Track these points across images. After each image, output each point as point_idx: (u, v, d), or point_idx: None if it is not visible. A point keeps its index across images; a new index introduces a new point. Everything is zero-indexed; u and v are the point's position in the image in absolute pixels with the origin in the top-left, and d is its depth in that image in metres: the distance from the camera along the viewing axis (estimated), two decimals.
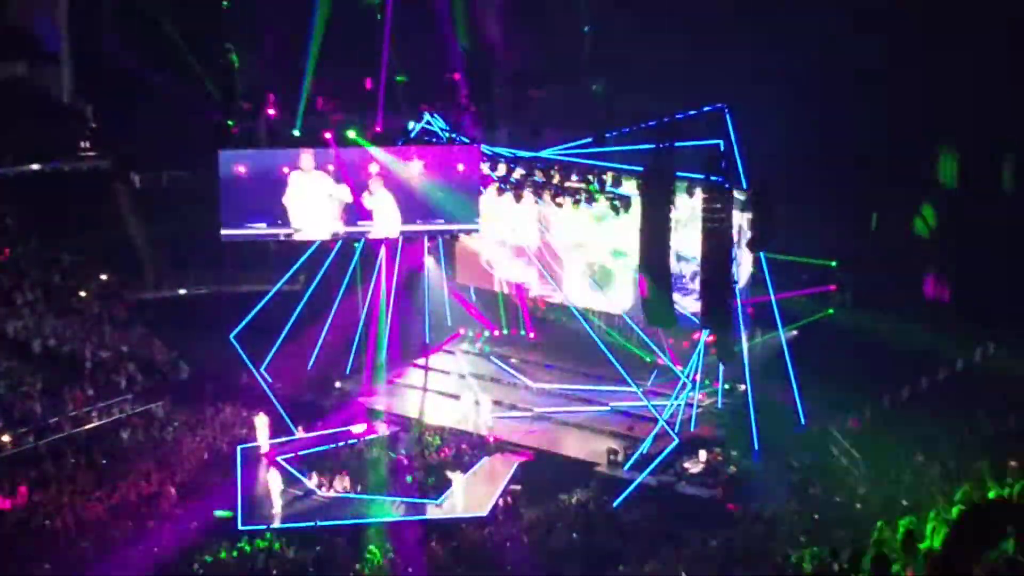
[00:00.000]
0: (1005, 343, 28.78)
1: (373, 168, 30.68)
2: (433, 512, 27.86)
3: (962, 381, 28.88)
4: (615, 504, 27.90)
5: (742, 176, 28.21)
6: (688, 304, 30.39)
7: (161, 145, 35.51)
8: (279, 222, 30.74)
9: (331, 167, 30.69)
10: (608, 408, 32.41)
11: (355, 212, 30.98)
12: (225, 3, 34.70)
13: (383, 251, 33.63)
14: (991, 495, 17.83)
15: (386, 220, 31.17)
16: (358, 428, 31.36)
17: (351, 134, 30.87)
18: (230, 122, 31.14)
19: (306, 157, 30.58)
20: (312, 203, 30.91)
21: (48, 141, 36.32)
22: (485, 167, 31.72)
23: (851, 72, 30.45)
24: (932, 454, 25.38)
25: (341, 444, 30.57)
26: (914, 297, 31.40)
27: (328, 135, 30.70)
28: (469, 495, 28.46)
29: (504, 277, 36.27)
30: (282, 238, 31.29)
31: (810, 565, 19.63)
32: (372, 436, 31.14)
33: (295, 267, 33.43)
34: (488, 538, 26.52)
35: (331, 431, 31.25)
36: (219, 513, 27.51)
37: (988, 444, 24.68)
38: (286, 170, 30.47)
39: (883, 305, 30.53)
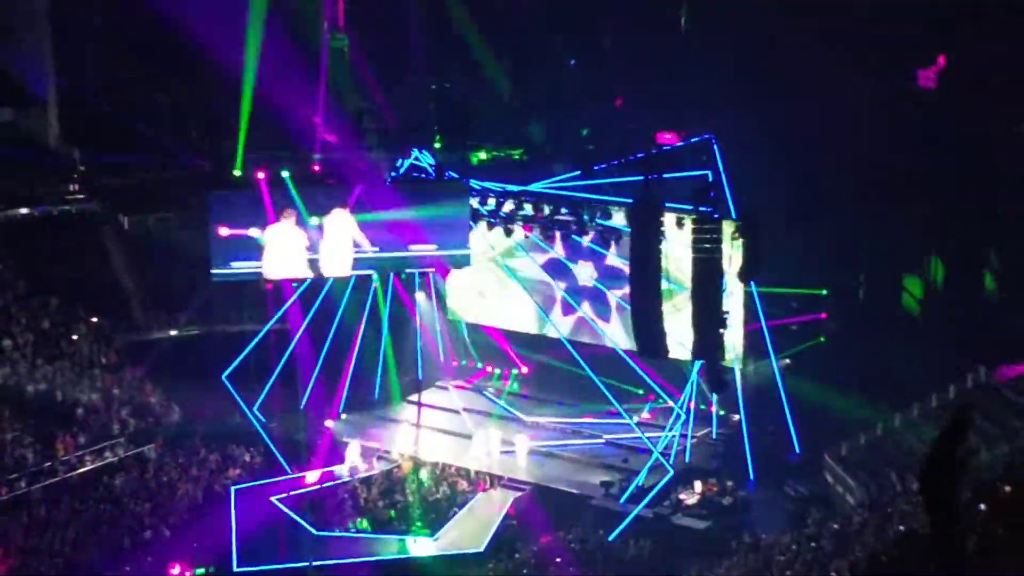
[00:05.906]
0: None
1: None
2: (430, 548, 27.71)
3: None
4: (611, 537, 27.82)
5: (731, 206, 28.32)
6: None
7: (149, 187, 35.48)
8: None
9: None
10: (603, 441, 32.35)
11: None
12: None
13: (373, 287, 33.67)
14: None
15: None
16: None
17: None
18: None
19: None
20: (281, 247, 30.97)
21: (36, 185, 36.22)
22: (475, 201, 31.82)
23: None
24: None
25: (338, 482, 30.45)
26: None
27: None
28: (465, 531, 28.34)
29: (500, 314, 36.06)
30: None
31: None
32: (369, 474, 31.01)
33: (285, 306, 33.38)
34: (485, 574, 26.40)
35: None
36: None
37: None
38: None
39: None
